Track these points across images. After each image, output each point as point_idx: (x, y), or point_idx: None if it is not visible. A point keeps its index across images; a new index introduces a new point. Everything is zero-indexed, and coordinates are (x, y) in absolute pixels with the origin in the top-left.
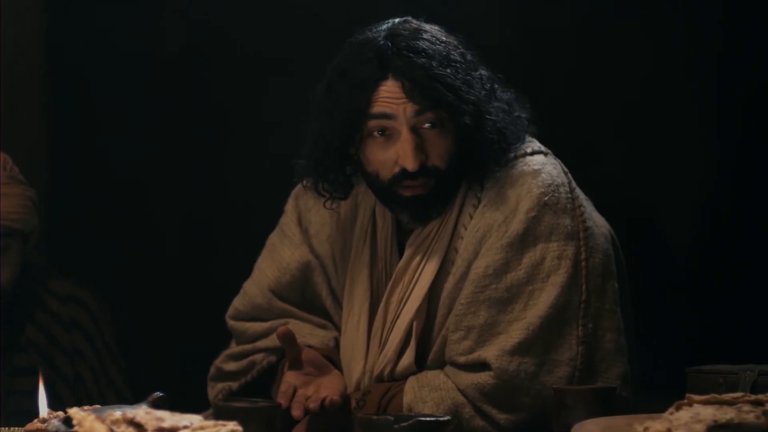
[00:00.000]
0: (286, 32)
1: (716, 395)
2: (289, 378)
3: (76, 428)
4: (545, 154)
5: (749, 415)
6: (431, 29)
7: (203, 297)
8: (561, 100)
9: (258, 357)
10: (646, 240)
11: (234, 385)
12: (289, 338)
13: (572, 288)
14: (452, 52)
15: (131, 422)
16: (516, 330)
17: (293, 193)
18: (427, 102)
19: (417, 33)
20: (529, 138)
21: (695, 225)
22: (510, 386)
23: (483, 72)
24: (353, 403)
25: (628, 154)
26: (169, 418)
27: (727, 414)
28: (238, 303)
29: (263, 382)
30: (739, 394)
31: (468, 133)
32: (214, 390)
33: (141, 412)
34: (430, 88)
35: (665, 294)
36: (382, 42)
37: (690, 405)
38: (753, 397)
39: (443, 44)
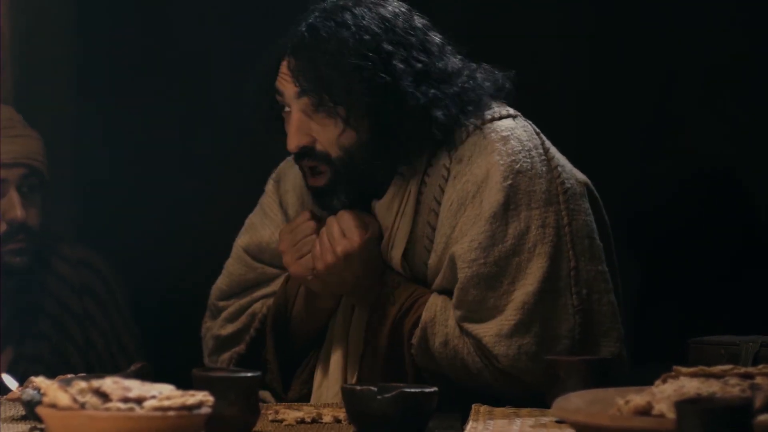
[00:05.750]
0: None
1: (704, 368)
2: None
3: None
4: (514, 117)
5: (735, 388)
6: (365, 6)
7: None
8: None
9: (257, 306)
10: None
11: (241, 348)
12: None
13: (560, 257)
14: (373, 34)
15: (96, 392)
16: (510, 309)
17: (273, 175)
18: (303, 85)
19: (339, 10)
20: (496, 103)
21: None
22: (515, 370)
23: (403, 67)
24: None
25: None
26: (137, 388)
27: (711, 387)
28: (222, 283)
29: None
30: (728, 367)
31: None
32: (220, 362)
33: (108, 381)
34: (307, 71)
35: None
36: (308, 15)
37: (676, 377)
38: (742, 369)
39: (364, 25)
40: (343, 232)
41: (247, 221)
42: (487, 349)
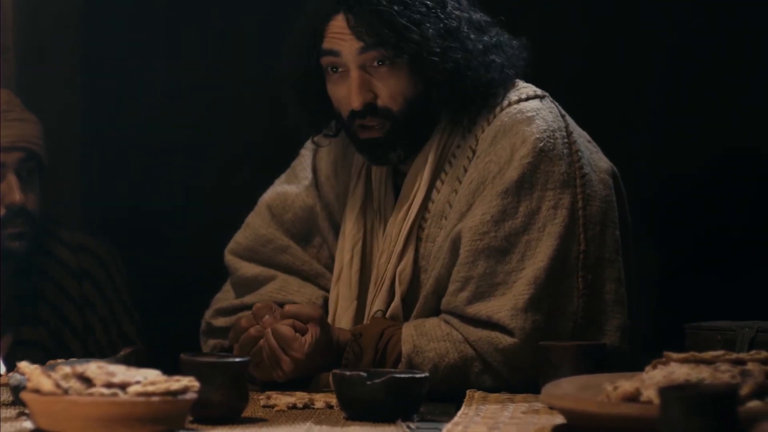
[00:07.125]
0: None
1: (696, 353)
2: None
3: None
4: (541, 98)
5: (725, 375)
6: None
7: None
8: None
9: (245, 314)
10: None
11: (225, 342)
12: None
13: (570, 238)
14: None
15: (80, 377)
16: (521, 285)
17: (308, 142)
18: (369, 39)
19: None
20: (523, 83)
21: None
22: (529, 346)
23: (458, 13)
24: (347, 352)
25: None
26: (121, 373)
27: (701, 373)
28: (239, 236)
29: None
30: (719, 353)
31: (423, 74)
32: (207, 346)
33: (92, 367)
34: (373, 24)
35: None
36: None
37: (667, 363)
38: (734, 355)
39: None
40: (283, 349)
41: (276, 181)
42: (500, 326)
